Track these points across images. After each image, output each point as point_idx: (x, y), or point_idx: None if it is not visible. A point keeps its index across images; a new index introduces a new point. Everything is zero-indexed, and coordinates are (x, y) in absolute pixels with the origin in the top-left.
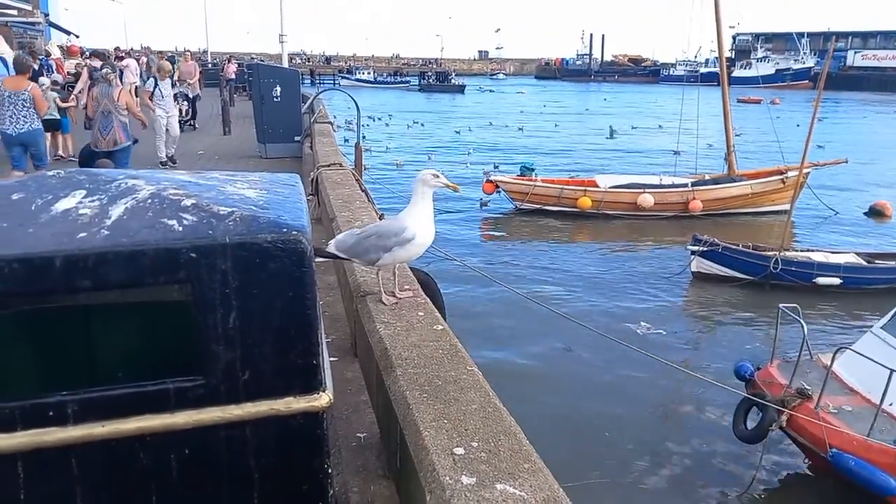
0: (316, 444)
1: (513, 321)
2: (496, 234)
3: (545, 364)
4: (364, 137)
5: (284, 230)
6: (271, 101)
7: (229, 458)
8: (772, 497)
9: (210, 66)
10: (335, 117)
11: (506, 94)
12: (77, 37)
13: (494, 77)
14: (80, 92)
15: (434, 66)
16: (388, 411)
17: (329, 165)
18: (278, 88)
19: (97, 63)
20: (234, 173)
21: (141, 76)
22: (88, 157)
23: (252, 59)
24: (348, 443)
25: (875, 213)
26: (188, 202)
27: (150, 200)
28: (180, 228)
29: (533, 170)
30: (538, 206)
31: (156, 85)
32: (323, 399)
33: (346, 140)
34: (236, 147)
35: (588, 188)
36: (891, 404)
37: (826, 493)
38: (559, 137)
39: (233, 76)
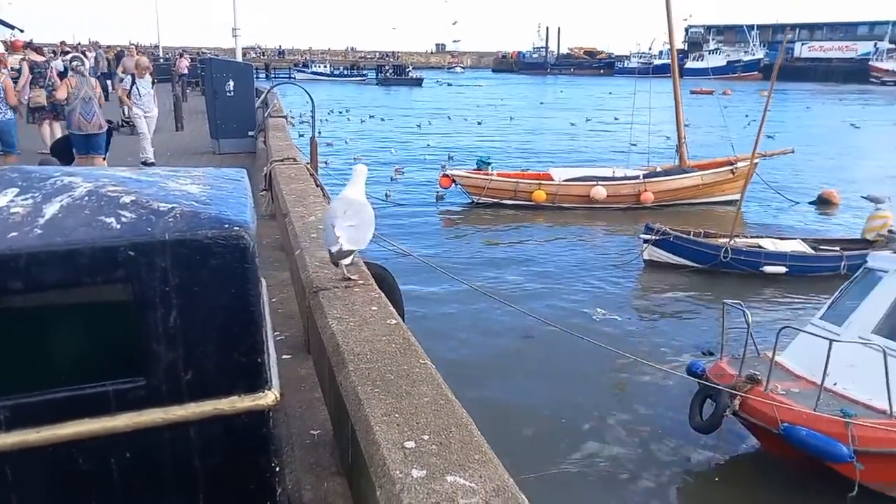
0: (262, 443)
1: (471, 314)
2: (454, 228)
3: (503, 355)
4: (319, 133)
5: (226, 226)
6: (224, 96)
7: (173, 459)
8: (723, 482)
9: (162, 60)
10: (291, 112)
11: (464, 88)
12: (21, 31)
13: (452, 70)
14: (21, 88)
15: (391, 60)
16: (340, 407)
17: (283, 160)
18: (231, 83)
19: (37, 57)
20: (178, 169)
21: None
22: (64, 146)
23: (205, 53)
24: (302, 440)
25: (822, 201)
26: (127, 199)
27: (87, 198)
28: (118, 226)
29: (489, 164)
30: (495, 200)
31: (133, 83)
32: (268, 397)
33: (302, 135)
34: (188, 143)
35: (543, 182)
36: (834, 384)
37: (774, 477)
38: (516, 130)
39: (185, 71)
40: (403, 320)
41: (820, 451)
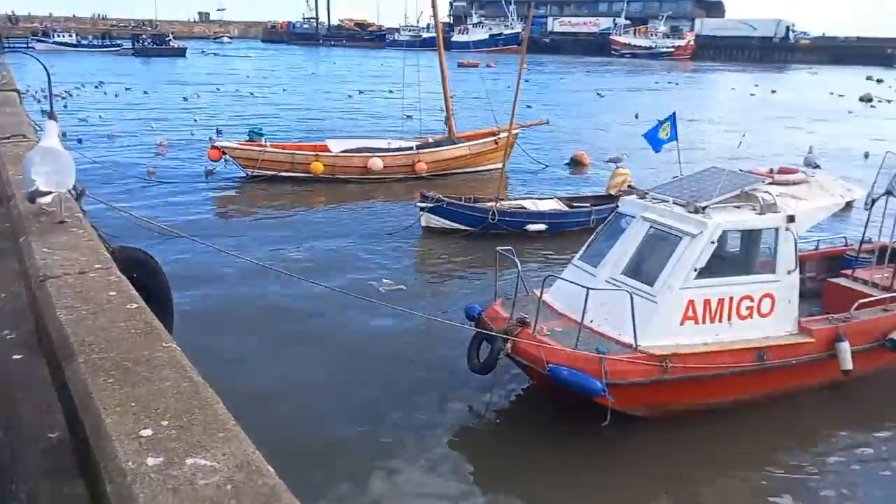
0: None
1: (255, 292)
2: (228, 203)
3: (290, 331)
4: (65, 107)
5: None
6: None
7: None
8: (505, 417)
9: None
10: (28, 87)
11: (232, 59)
12: None
13: (219, 40)
14: None
15: (149, 28)
16: (72, 404)
17: (9, 138)
18: None
19: None
20: None
21: None
22: None
23: None
24: (39, 446)
25: (575, 162)
26: None
27: None
28: None
29: (262, 135)
30: (272, 173)
31: None
32: None
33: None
34: None
35: (320, 153)
36: (591, 321)
37: (545, 409)
38: (290, 102)
39: None
40: (170, 305)
41: (579, 387)
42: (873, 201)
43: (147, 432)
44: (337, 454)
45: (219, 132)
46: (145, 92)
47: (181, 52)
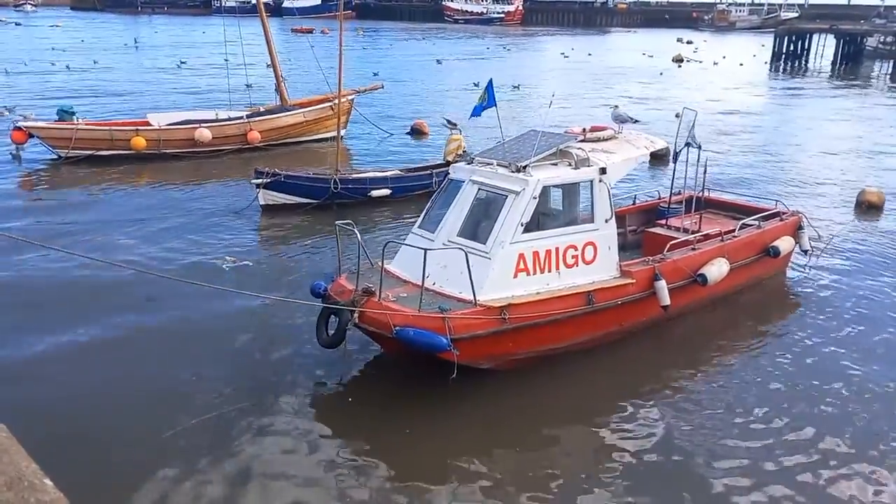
0: None
1: (84, 288)
2: (41, 189)
3: (126, 323)
4: None
5: None
6: None
7: None
8: (353, 391)
9: None
10: None
11: (37, 29)
12: None
13: (20, 9)
14: None
15: None
16: None
17: None
18: None
19: None
20: None
21: None
22: None
23: None
24: None
25: (416, 131)
26: None
27: None
28: None
29: (73, 113)
30: (89, 152)
31: None
32: None
33: None
34: None
35: (140, 128)
36: (433, 283)
37: (393, 377)
38: (106, 77)
39: None
40: None
41: (425, 345)
42: (676, 154)
43: None
44: (192, 441)
45: (9, 110)
46: None
47: None
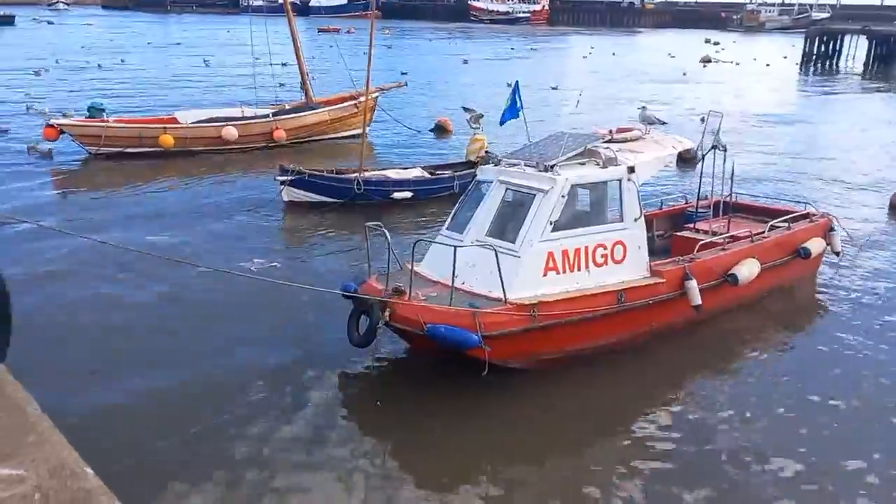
0: None
1: (113, 278)
2: (74, 186)
3: (164, 312)
4: None
5: None
6: None
7: None
8: (386, 383)
9: None
10: None
11: (70, 27)
12: None
13: (53, 7)
14: None
15: None
16: None
17: None
18: None
19: None
20: None
21: None
22: None
23: None
24: None
25: (439, 129)
26: None
27: None
28: None
29: (103, 110)
30: (118, 150)
31: None
32: None
33: None
34: None
35: (168, 126)
36: (463, 283)
37: (422, 373)
38: (136, 75)
39: None
40: (8, 313)
41: (457, 341)
42: (703, 156)
43: None
44: (236, 427)
45: (28, 109)
46: None
47: (10, 20)
